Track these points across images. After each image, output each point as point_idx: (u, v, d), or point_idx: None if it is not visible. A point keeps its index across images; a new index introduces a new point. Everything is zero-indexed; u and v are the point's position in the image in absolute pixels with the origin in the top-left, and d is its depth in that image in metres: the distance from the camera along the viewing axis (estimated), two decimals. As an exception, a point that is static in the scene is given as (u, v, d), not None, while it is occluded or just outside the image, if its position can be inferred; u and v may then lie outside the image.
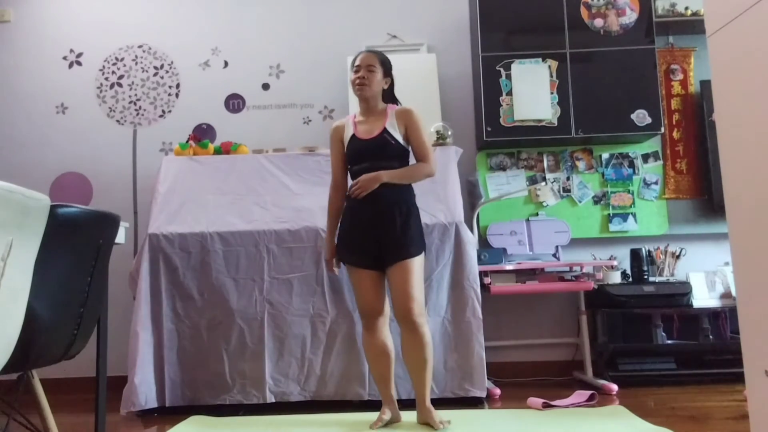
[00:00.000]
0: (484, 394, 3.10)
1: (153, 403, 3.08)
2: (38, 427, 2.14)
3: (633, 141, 3.90)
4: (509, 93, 3.73)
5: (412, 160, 2.75)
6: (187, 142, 3.66)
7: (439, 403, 2.95)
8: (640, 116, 3.67)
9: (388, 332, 2.71)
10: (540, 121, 3.70)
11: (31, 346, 1.74)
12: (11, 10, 4.21)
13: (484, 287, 3.32)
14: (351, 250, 2.68)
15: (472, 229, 3.48)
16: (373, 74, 2.71)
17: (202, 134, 4.01)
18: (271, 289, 3.15)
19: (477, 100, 3.88)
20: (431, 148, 2.72)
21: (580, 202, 3.92)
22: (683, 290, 3.55)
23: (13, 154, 4.09)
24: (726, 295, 3.62)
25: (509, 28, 3.81)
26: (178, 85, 4.17)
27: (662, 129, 3.72)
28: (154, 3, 4.22)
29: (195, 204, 3.33)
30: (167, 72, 4.18)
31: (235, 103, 4.15)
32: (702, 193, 3.91)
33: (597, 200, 3.92)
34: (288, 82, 4.15)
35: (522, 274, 3.47)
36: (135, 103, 4.16)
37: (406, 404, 2.81)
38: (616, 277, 3.62)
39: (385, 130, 2.67)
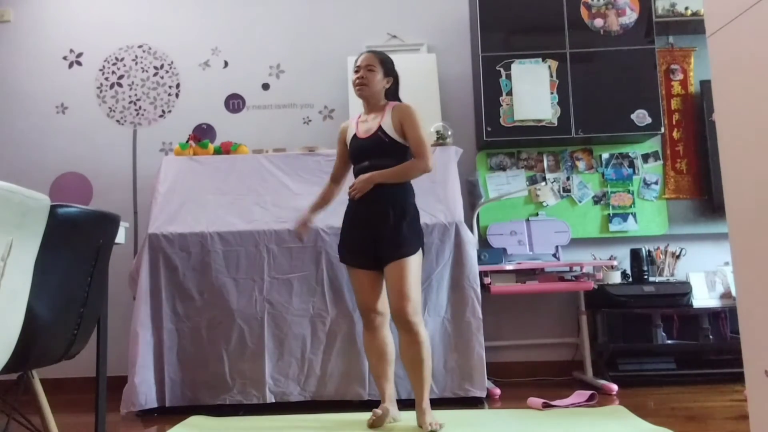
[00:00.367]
0: (484, 394, 3.10)
1: (153, 403, 3.08)
2: (38, 427, 2.14)
3: (633, 141, 3.90)
4: (509, 93, 3.73)
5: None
6: (187, 142, 3.65)
7: (439, 403, 2.95)
8: (640, 116, 3.67)
9: (388, 332, 2.72)
10: (540, 121, 3.70)
11: (31, 346, 1.74)
12: (11, 10, 4.21)
13: (484, 287, 3.32)
14: (349, 250, 2.70)
15: (472, 229, 3.48)
16: (373, 74, 2.72)
17: (202, 134, 4.01)
18: (271, 289, 3.15)
19: (477, 100, 3.88)
20: (427, 143, 2.68)
21: (580, 202, 3.92)
22: (683, 290, 3.56)
23: (13, 154, 4.09)
24: (726, 295, 3.62)
25: (509, 28, 3.81)
26: (178, 85, 4.17)
27: (662, 129, 3.72)
28: (154, 3, 4.22)
29: (195, 204, 3.33)
30: (167, 72, 4.18)
31: (235, 103, 4.15)
32: (702, 193, 3.91)
33: (597, 200, 3.92)
34: (288, 82, 4.15)
35: (522, 274, 3.47)
36: (135, 103, 4.16)
37: (407, 404, 2.81)
38: (616, 277, 3.62)
39: (380, 129, 2.69)
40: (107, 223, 2.14)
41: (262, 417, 2.93)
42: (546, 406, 2.94)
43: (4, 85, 4.16)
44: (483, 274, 3.32)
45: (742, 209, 1.66)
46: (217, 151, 3.61)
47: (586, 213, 3.90)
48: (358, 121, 2.80)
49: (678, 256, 3.79)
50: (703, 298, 3.63)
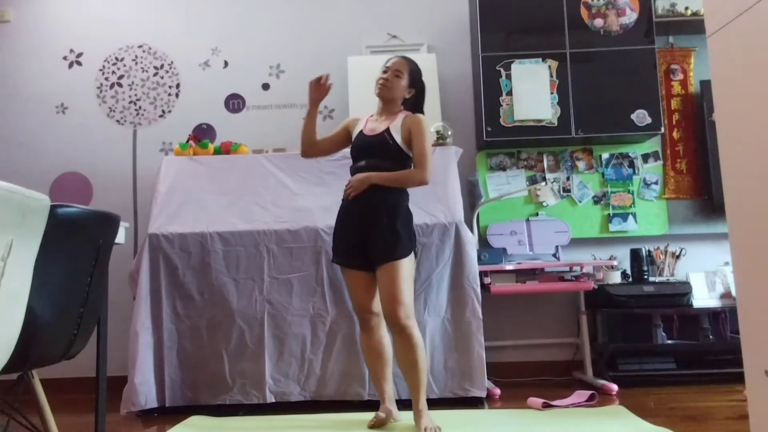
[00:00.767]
0: (484, 394, 3.09)
1: (153, 403, 3.08)
2: (38, 427, 2.14)
3: (633, 141, 3.90)
4: (509, 93, 3.73)
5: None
6: (187, 142, 3.65)
7: (439, 403, 2.96)
8: (640, 116, 3.67)
9: (384, 332, 2.71)
10: (540, 121, 3.70)
11: (31, 346, 1.74)
12: (11, 10, 4.21)
13: (484, 287, 3.32)
14: (342, 250, 2.69)
15: (472, 229, 3.48)
16: (398, 80, 2.73)
17: (202, 134, 4.01)
18: (271, 289, 3.15)
19: (477, 100, 3.88)
20: (430, 157, 2.68)
21: (580, 202, 3.92)
22: (683, 290, 3.55)
23: (13, 154, 4.09)
24: (726, 295, 3.62)
25: (509, 28, 3.81)
26: (178, 85, 4.17)
27: (662, 129, 3.72)
28: (154, 3, 4.22)
29: (195, 204, 3.33)
30: (167, 72, 4.18)
31: (235, 103, 4.15)
32: (702, 193, 3.91)
33: (597, 200, 3.92)
34: (288, 82, 4.15)
35: (522, 274, 3.47)
36: (135, 103, 4.16)
37: (407, 404, 2.81)
38: (616, 277, 3.62)
39: (387, 130, 2.69)
40: (107, 223, 2.14)
41: (262, 417, 2.93)
42: (546, 406, 2.94)
43: (4, 85, 4.16)
44: (483, 274, 3.32)
45: (742, 209, 1.66)
46: (217, 151, 3.61)
47: (586, 213, 3.91)
48: (368, 119, 2.82)
49: (678, 256, 3.79)
50: (703, 298, 3.63)
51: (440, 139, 3.50)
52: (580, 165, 3.96)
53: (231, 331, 3.13)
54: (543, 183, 3.92)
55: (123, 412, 3.04)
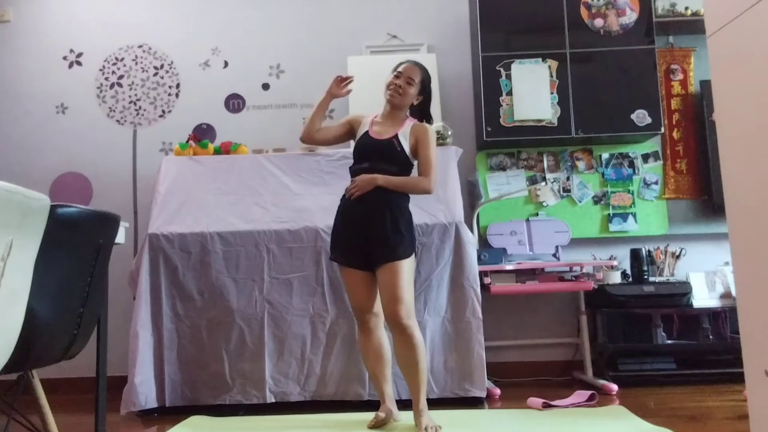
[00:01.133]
0: (484, 394, 3.09)
1: (153, 403, 3.08)
2: (38, 427, 2.14)
3: (633, 141, 3.90)
4: (509, 93, 3.73)
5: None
6: (187, 142, 3.65)
7: (439, 403, 2.96)
8: (640, 116, 3.67)
9: (383, 332, 2.71)
10: (540, 121, 3.70)
11: (31, 346, 1.74)
12: (11, 10, 4.21)
13: (484, 287, 3.32)
14: (342, 249, 2.68)
15: (472, 229, 3.48)
16: (410, 87, 2.74)
17: (202, 134, 4.01)
18: (271, 289, 3.15)
19: (477, 100, 3.88)
20: (435, 167, 2.72)
21: (580, 202, 3.92)
22: (683, 290, 3.55)
23: (13, 154, 4.09)
24: (726, 295, 3.62)
25: (509, 28, 3.81)
26: (178, 85, 4.17)
27: (662, 129, 3.72)
28: (154, 3, 4.22)
29: (195, 204, 3.33)
30: (167, 72, 4.18)
31: (235, 103, 4.15)
32: (702, 193, 3.91)
33: (597, 200, 3.92)
34: (288, 82, 4.15)
35: (522, 274, 3.47)
36: (135, 103, 4.16)
37: (407, 404, 2.81)
38: (616, 277, 3.62)
39: (396, 137, 2.70)
40: (107, 223, 2.14)
41: (262, 417, 2.93)
42: (546, 406, 2.94)
43: (4, 85, 4.16)
44: (483, 274, 3.32)
45: (742, 209, 1.66)
46: (217, 151, 3.61)
47: (586, 213, 3.90)
48: (373, 121, 2.80)
49: (678, 256, 3.79)
50: (703, 298, 3.63)
51: (440, 139, 3.50)
52: (580, 165, 3.96)
53: (231, 331, 3.13)
54: (543, 183, 3.92)
55: (123, 412, 3.03)
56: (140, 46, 4.20)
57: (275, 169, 3.46)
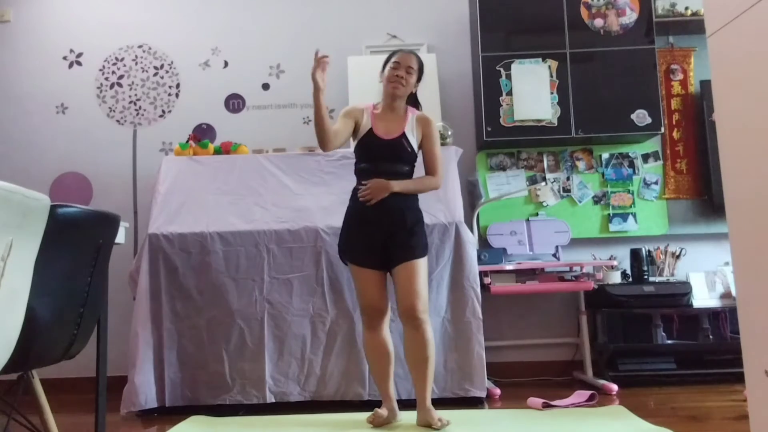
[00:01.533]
0: (484, 394, 3.10)
1: (153, 403, 3.08)
2: (38, 427, 2.14)
3: (633, 141, 3.90)
4: (509, 93, 3.73)
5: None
6: (187, 142, 3.65)
7: (439, 403, 2.94)
8: (640, 116, 3.67)
9: (388, 331, 2.73)
10: (540, 121, 3.70)
11: (31, 346, 1.74)
12: (11, 10, 4.21)
13: (484, 287, 3.32)
14: (359, 250, 2.67)
15: (472, 229, 3.48)
16: (411, 77, 2.75)
17: (202, 134, 4.01)
18: (271, 289, 3.15)
19: (477, 100, 3.88)
20: (442, 162, 2.76)
21: (580, 202, 3.92)
22: (683, 290, 3.55)
23: (13, 154, 4.09)
24: (726, 295, 3.62)
25: (509, 28, 3.81)
26: (178, 85, 4.17)
27: (662, 129, 3.72)
28: (154, 3, 4.22)
29: (195, 204, 3.33)
30: (167, 72, 4.18)
31: (235, 103, 4.15)
32: (702, 193, 3.91)
33: (597, 200, 3.92)
34: (288, 82, 4.14)
35: (522, 274, 3.47)
36: (135, 103, 4.16)
37: (406, 404, 2.81)
38: (616, 277, 3.62)
39: (404, 135, 2.70)
40: (107, 223, 2.14)
41: (262, 417, 2.93)
42: (546, 406, 2.94)
43: (4, 85, 4.16)
44: (483, 274, 3.32)
45: (742, 209, 1.66)
46: (217, 151, 3.61)
47: (586, 213, 3.90)
48: (374, 116, 2.76)
49: (678, 256, 3.79)
50: (703, 298, 3.63)
51: (440, 139, 3.50)
52: (580, 165, 3.96)
53: (231, 331, 3.13)
54: (543, 183, 3.92)
55: (123, 412, 3.04)
56: (140, 46, 4.20)
57: (275, 169, 3.46)
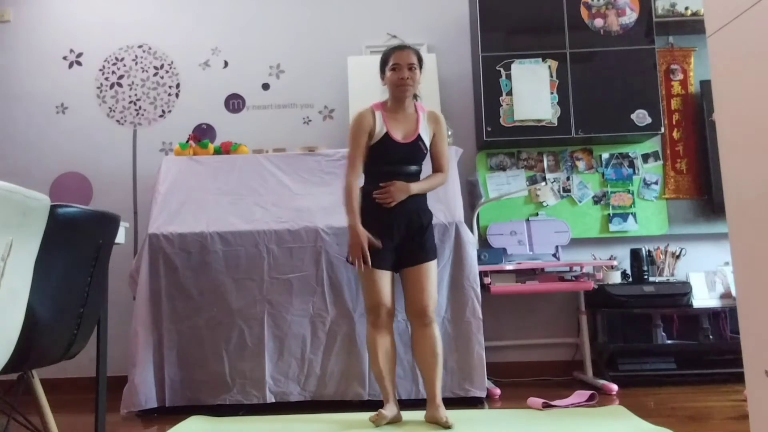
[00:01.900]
0: (484, 394, 3.10)
1: (153, 403, 3.08)
2: (38, 427, 2.14)
3: (633, 141, 3.90)
4: (509, 93, 3.72)
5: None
6: (187, 142, 3.66)
7: (439, 403, 2.95)
8: (640, 116, 3.67)
9: (393, 332, 2.76)
10: (540, 121, 3.70)
11: (31, 346, 1.74)
12: (11, 10, 4.21)
13: (484, 287, 3.32)
14: (374, 252, 2.65)
15: (472, 229, 3.48)
16: (415, 73, 2.73)
17: (202, 134, 4.01)
18: (271, 289, 3.15)
19: (477, 100, 3.88)
20: (448, 158, 2.85)
21: (580, 202, 3.92)
22: (683, 290, 3.55)
23: (13, 154, 4.09)
24: (726, 295, 3.62)
25: (509, 28, 3.81)
26: (178, 85, 4.17)
27: (662, 129, 3.72)
28: (154, 3, 4.22)
29: (195, 204, 3.33)
30: (167, 72, 4.18)
31: (235, 103, 4.15)
32: (702, 193, 3.91)
33: (597, 200, 3.92)
34: (288, 82, 4.15)
35: (522, 274, 3.47)
36: (135, 103, 4.16)
37: (406, 404, 2.82)
38: (616, 277, 3.62)
39: (419, 137, 2.73)
40: (107, 223, 2.14)
41: (262, 417, 2.93)
42: (546, 406, 2.94)
43: (4, 85, 4.16)
44: (483, 274, 3.32)
45: (742, 209, 1.66)
46: (217, 151, 3.61)
47: (586, 213, 3.90)
48: (386, 118, 2.74)
49: (678, 256, 3.79)
50: (703, 298, 3.63)
51: (440, 139, 3.50)
52: (580, 165, 3.96)
53: (231, 331, 3.13)
54: (543, 183, 3.92)
55: (123, 412, 3.04)
56: (140, 46, 4.20)
57: (275, 169, 3.46)
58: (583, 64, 3.73)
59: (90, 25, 4.21)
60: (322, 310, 3.14)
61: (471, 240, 3.20)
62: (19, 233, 1.57)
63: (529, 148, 3.96)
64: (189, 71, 4.17)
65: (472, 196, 3.83)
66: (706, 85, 3.90)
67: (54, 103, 4.15)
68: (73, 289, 1.97)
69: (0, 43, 4.19)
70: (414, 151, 2.74)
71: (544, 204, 3.92)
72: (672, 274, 3.75)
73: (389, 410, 2.64)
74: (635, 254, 3.70)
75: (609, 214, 3.89)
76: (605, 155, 3.95)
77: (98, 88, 4.17)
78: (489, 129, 3.69)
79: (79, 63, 4.19)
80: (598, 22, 3.76)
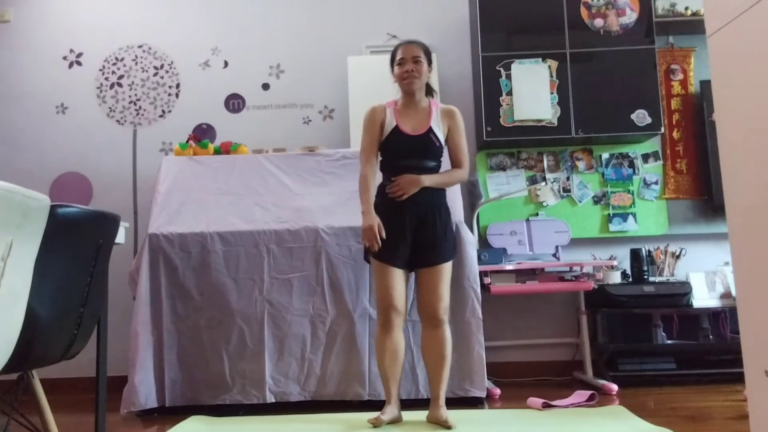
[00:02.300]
0: (484, 394, 3.09)
1: (153, 403, 3.08)
2: (38, 427, 2.14)
3: (633, 141, 3.90)
4: (509, 93, 3.73)
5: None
6: (187, 142, 3.66)
7: (439, 403, 2.95)
8: (640, 116, 3.67)
9: (402, 333, 2.72)
10: (540, 121, 3.70)
11: (31, 346, 1.74)
12: (11, 10, 4.21)
13: (484, 287, 3.32)
14: (389, 248, 2.62)
15: (472, 229, 3.48)
16: (420, 65, 2.70)
17: (202, 134, 4.01)
18: (271, 289, 3.15)
19: (477, 100, 3.88)
20: (467, 153, 2.78)
21: (580, 202, 3.92)
22: (683, 290, 3.55)
23: (13, 154, 4.09)
24: (726, 295, 3.62)
25: (509, 28, 3.81)
26: (178, 85, 4.17)
27: (662, 129, 3.72)
28: (154, 3, 4.22)
29: (195, 204, 3.33)
30: (167, 72, 4.18)
31: (235, 103, 4.15)
32: (702, 193, 3.91)
33: (597, 200, 3.92)
34: (288, 82, 4.15)
35: (522, 274, 3.47)
36: (135, 103, 4.16)
37: (406, 404, 2.81)
38: (616, 277, 3.62)
39: (431, 130, 2.69)
40: (107, 223, 2.14)
41: (262, 417, 2.93)
42: (546, 406, 2.94)
43: (4, 85, 4.16)
44: (483, 274, 3.32)
45: (742, 209, 1.66)
46: (217, 151, 3.61)
47: (586, 213, 3.90)
48: (397, 113, 2.74)
49: (678, 256, 3.79)
50: (703, 298, 3.63)
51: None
52: (580, 165, 3.96)
53: (231, 331, 3.13)
54: (543, 183, 3.92)
55: (123, 412, 3.04)
56: (140, 46, 4.20)
57: (275, 169, 3.46)
58: (583, 64, 3.73)
59: (90, 25, 4.21)
60: (322, 310, 3.14)
61: (471, 240, 3.20)
62: (19, 233, 1.57)
63: (529, 148, 3.96)
64: (189, 71, 4.17)
65: (472, 196, 3.83)
66: (706, 85, 3.90)
67: (54, 103, 4.15)
68: (73, 289, 1.97)
69: (0, 43, 4.19)
70: (426, 143, 2.68)
71: (544, 204, 3.92)
72: (672, 274, 3.75)
73: (389, 412, 2.64)
74: (635, 254, 3.70)
75: (609, 214, 3.89)
76: (605, 155, 3.95)
77: (98, 88, 4.17)
78: (489, 129, 3.69)
79: (79, 63, 4.19)
80: (598, 22, 3.76)
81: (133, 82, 4.17)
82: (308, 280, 3.15)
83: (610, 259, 3.76)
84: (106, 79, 4.18)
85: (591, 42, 3.74)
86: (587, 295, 3.65)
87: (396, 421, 2.67)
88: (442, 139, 2.72)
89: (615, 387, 3.27)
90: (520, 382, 3.65)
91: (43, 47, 4.19)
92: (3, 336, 1.57)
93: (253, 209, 3.30)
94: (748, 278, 1.63)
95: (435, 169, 2.73)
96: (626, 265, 3.77)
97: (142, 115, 4.15)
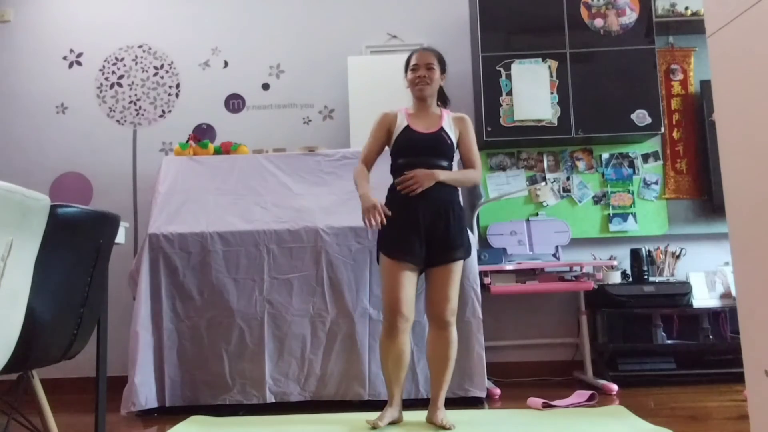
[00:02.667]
0: (484, 394, 3.10)
1: (153, 403, 3.08)
2: (38, 427, 2.14)
3: (633, 141, 3.90)
4: (509, 93, 3.73)
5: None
6: (187, 142, 3.66)
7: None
8: (640, 116, 3.67)
9: (408, 337, 2.65)
10: (540, 121, 3.70)
11: (31, 346, 1.74)
12: (11, 10, 4.21)
13: (484, 287, 3.32)
14: (401, 245, 2.58)
15: (472, 229, 3.48)
16: (433, 72, 2.72)
17: (202, 134, 4.01)
18: (271, 289, 3.15)
19: (477, 100, 3.88)
20: (479, 158, 2.80)
21: (580, 202, 3.92)
22: (683, 290, 3.55)
23: (13, 154, 4.09)
24: (726, 295, 3.62)
25: (509, 28, 3.81)
26: (178, 85, 4.17)
27: (662, 129, 3.72)
28: (154, 3, 4.22)
29: (195, 204, 3.33)
30: (167, 72, 4.18)
31: (235, 103, 4.15)
32: (702, 193, 3.91)
33: (597, 200, 3.92)
34: (288, 82, 4.15)
35: (522, 274, 3.47)
36: (135, 103, 4.16)
37: (405, 404, 2.81)
38: (616, 277, 3.62)
39: (442, 129, 2.71)
40: (107, 223, 2.14)
41: (262, 417, 2.93)
42: (546, 406, 2.94)
43: (4, 85, 4.16)
44: (483, 274, 3.32)
45: (742, 209, 1.66)
46: (217, 151, 3.61)
47: (586, 213, 3.90)
48: (409, 115, 2.75)
49: (678, 256, 3.79)
50: (703, 298, 3.63)
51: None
52: (580, 165, 3.96)
53: (231, 331, 3.13)
54: (543, 183, 3.92)
55: (123, 412, 3.03)
56: (140, 46, 4.20)
57: (275, 169, 3.47)
58: (583, 64, 3.73)
59: (90, 25, 4.21)
60: (322, 310, 3.14)
61: (471, 240, 3.20)
62: (19, 233, 1.57)
63: (529, 148, 3.96)
64: (189, 71, 4.17)
65: (472, 196, 3.83)
66: (706, 85, 3.90)
67: (54, 103, 4.15)
68: (73, 289, 1.97)
69: (0, 43, 4.19)
70: (438, 141, 2.68)
71: (544, 204, 3.92)
72: (672, 274, 3.75)
73: (390, 414, 2.63)
74: (635, 254, 3.70)
75: (609, 214, 3.89)
76: (605, 155, 3.95)
77: (98, 88, 4.17)
78: (489, 129, 3.69)
79: (79, 63, 4.19)
80: (598, 22, 3.76)
81: (133, 82, 4.17)
82: (308, 280, 3.16)
83: (610, 259, 3.76)
84: (106, 79, 4.18)
85: (591, 42, 3.74)
86: (587, 295, 3.65)
87: (396, 421, 2.67)
88: (453, 140, 2.72)
89: (615, 387, 3.27)
90: (520, 382, 3.65)
91: (43, 47, 4.19)
92: (3, 336, 1.57)
93: (253, 209, 3.30)
94: (748, 278, 1.63)
95: (447, 169, 2.71)
96: (626, 265, 3.77)
97: (142, 115, 4.15)
